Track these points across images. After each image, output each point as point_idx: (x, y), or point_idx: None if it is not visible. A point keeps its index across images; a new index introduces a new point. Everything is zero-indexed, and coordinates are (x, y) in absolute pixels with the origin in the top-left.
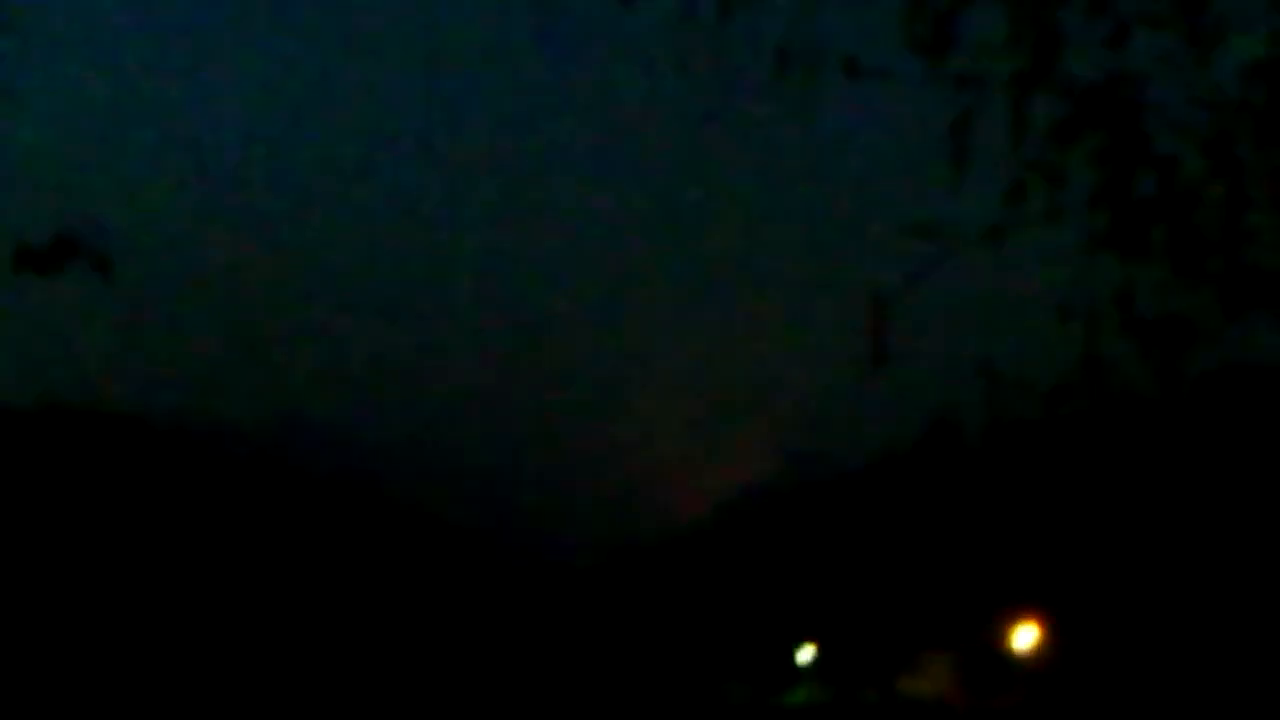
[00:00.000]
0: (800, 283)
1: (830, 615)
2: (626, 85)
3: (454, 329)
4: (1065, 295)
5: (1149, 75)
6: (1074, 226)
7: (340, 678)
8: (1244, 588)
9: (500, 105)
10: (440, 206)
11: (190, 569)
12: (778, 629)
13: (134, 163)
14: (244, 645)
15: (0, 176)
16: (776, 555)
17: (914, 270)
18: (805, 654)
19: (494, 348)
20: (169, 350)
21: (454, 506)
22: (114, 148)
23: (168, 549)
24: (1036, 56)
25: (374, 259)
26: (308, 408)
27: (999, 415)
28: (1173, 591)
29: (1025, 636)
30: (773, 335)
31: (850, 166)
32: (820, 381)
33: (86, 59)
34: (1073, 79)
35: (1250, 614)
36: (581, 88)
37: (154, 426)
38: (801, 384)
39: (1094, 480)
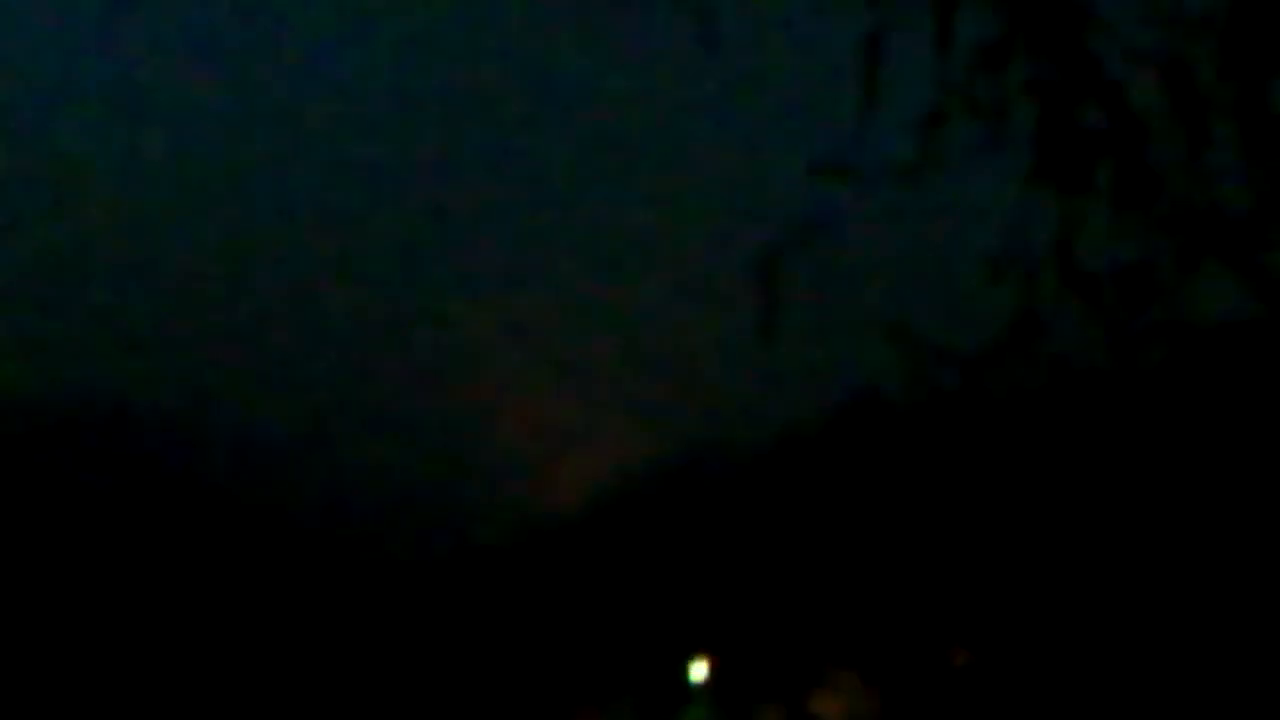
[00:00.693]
0: (691, 238)
1: (727, 625)
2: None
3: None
4: (995, 245)
5: None
6: (1006, 164)
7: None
8: (1203, 581)
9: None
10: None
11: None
12: (664, 641)
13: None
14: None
15: None
16: (661, 553)
17: (817, 218)
18: (698, 670)
19: (343, 325)
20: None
21: (290, 500)
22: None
23: None
24: None
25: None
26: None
27: (919, 388)
28: (1135, 596)
29: (960, 653)
30: (658, 301)
31: (743, 97)
32: (714, 353)
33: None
34: None
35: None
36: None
37: None
38: (692, 356)
39: (1034, 466)
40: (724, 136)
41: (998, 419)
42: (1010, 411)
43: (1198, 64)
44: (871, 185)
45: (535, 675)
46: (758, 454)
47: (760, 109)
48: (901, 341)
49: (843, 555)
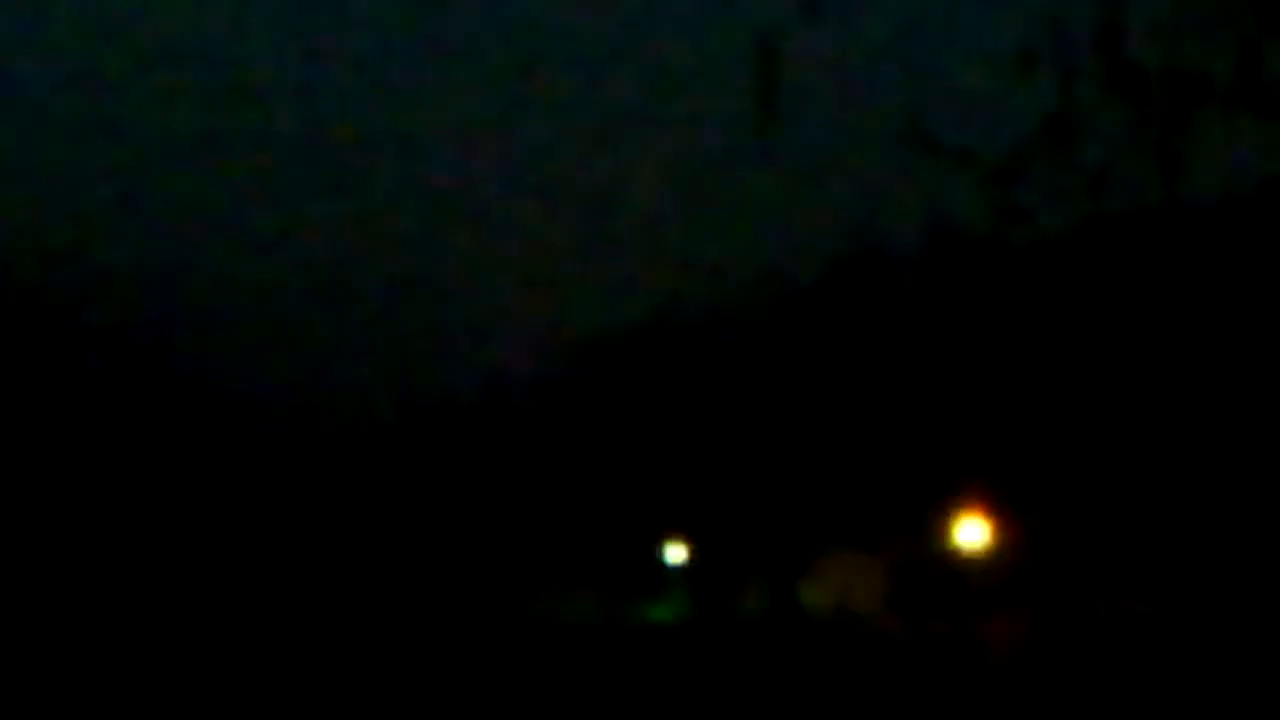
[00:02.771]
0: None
1: (705, 503)
2: None
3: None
4: (1028, 34)
5: None
6: None
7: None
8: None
9: None
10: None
11: None
12: (637, 521)
13: None
14: None
15: None
16: (635, 422)
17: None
18: (673, 554)
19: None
20: None
21: (234, 364)
22: None
23: None
24: None
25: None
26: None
27: (938, 214)
28: (1147, 491)
29: (971, 534)
30: (627, 135)
31: None
32: (700, 189)
33: None
34: None
35: (1222, 516)
36: None
37: None
38: (673, 196)
39: (1063, 318)
40: None
41: (1029, 261)
42: (1044, 252)
43: None
44: None
45: (498, 551)
46: (746, 306)
47: None
48: (917, 146)
49: (844, 423)
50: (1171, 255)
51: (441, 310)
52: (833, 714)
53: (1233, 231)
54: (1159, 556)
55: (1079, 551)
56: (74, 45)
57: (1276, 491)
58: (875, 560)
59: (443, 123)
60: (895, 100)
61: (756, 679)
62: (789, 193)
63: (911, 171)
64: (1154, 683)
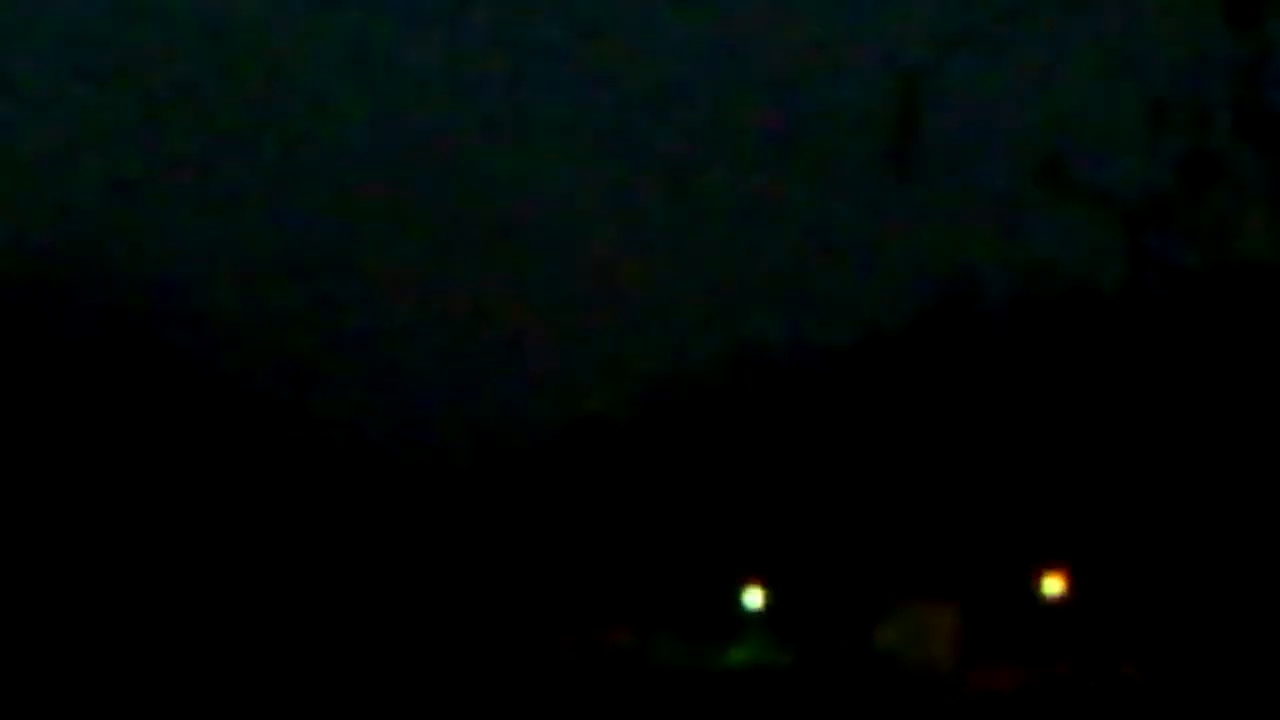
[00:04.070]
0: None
1: (785, 547)
2: None
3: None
4: (1161, 83)
5: None
6: None
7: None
8: None
9: None
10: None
11: None
12: (715, 564)
13: None
14: None
15: None
16: (716, 465)
17: (963, 35)
18: (752, 598)
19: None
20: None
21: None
22: None
23: None
24: None
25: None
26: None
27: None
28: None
29: (1052, 586)
30: (720, 178)
31: None
32: (782, 238)
33: None
34: None
35: None
36: None
37: None
38: (756, 243)
39: (1170, 369)
40: None
41: (1133, 314)
42: (1162, 302)
43: None
44: (1025, 4)
45: (569, 588)
46: (832, 349)
47: None
48: (1053, 185)
49: (928, 472)
50: None
51: (517, 347)
52: None
53: None
54: (1255, 617)
55: (1161, 603)
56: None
57: None
58: (952, 608)
59: (526, 153)
60: (1033, 142)
61: None
62: (904, 238)
63: (1043, 214)
64: None
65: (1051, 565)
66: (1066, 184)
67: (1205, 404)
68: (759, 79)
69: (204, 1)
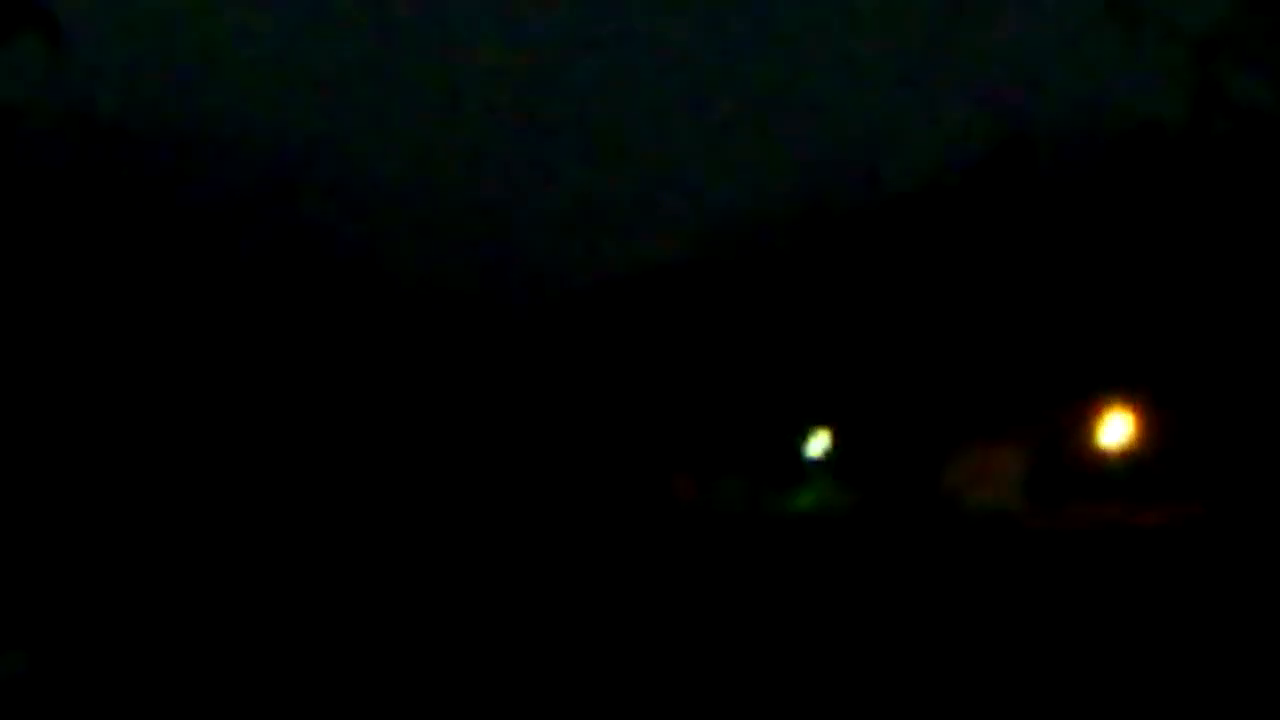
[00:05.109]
0: None
1: (851, 393)
2: None
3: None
4: None
5: None
6: None
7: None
8: None
9: None
10: None
11: None
12: (779, 409)
13: None
14: None
15: None
16: (779, 308)
17: None
18: (816, 443)
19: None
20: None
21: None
22: None
23: None
24: None
25: None
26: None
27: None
28: None
29: (1116, 427)
30: (789, 18)
31: None
32: (852, 80)
33: None
34: None
35: None
36: None
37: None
38: (828, 82)
39: (1235, 209)
40: None
41: (1189, 168)
42: (1204, 157)
43: None
44: None
45: (634, 434)
46: (894, 193)
47: None
48: (1123, 15)
49: (989, 315)
50: None
51: (589, 192)
52: (979, 602)
53: None
54: None
55: (1226, 446)
56: None
57: None
58: (1018, 449)
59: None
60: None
61: (901, 569)
62: (964, 77)
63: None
64: None
65: (1119, 406)
66: (1137, 15)
67: (1274, 244)
68: None
69: None
